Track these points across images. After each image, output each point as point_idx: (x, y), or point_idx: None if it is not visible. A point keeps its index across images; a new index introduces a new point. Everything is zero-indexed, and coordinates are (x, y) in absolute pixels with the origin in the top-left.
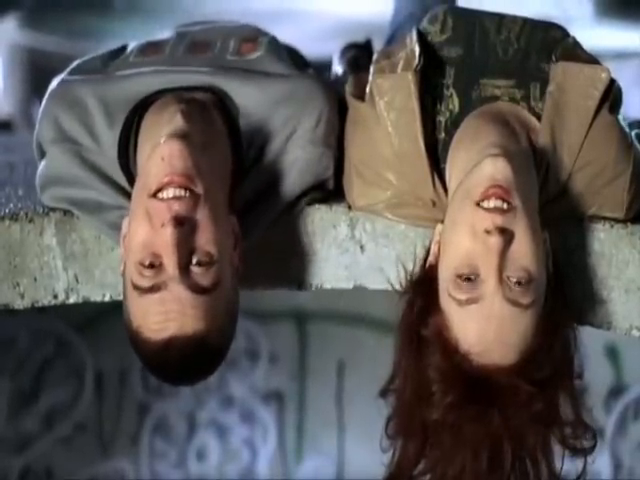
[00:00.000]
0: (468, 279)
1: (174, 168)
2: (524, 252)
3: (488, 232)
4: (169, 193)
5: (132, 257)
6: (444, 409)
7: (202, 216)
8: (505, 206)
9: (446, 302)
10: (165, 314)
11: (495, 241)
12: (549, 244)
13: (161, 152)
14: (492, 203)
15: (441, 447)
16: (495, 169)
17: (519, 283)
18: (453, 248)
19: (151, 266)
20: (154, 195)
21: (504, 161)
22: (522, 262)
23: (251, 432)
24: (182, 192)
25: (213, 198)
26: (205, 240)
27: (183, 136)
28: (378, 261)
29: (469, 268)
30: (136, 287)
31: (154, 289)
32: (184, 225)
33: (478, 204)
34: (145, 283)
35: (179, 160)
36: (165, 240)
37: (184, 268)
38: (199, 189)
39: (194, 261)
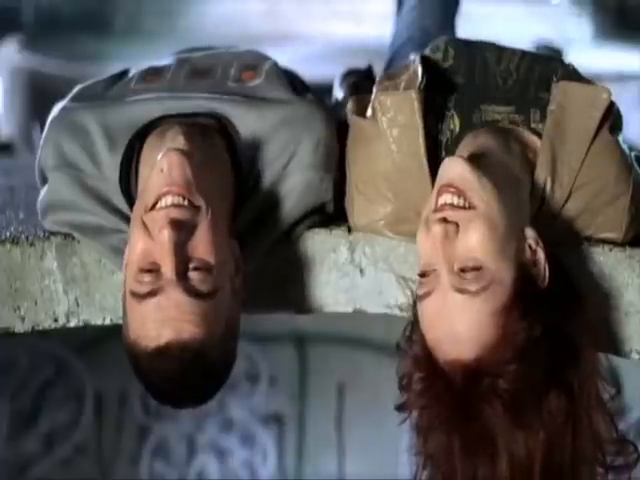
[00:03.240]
0: (421, 275)
1: (173, 178)
2: (472, 242)
3: (433, 224)
4: (167, 201)
5: (130, 268)
6: (420, 404)
7: (201, 226)
8: (456, 201)
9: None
10: (162, 320)
11: (436, 230)
12: (534, 243)
13: (160, 164)
14: (443, 199)
15: (426, 448)
16: (451, 169)
17: (463, 270)
18: (420, 253)
19: (149, 272)
20: (152, 208)
21: (461, 161)
22: (471, 252)
23: (251, 455)
24: (181, 200)
25: (214, 213)
26: (203, 249)
27: (183, 151)
28: (378, 285)
29: (427, 266)
30: (134, 294)
31: (151, 294)
32: (182, 230)
33: (434, 209)
34: (143, 289)
35: (178, 170)
36: (162, 243)
37: (181, 273)
38: (199, 201)
39: (191, 266)
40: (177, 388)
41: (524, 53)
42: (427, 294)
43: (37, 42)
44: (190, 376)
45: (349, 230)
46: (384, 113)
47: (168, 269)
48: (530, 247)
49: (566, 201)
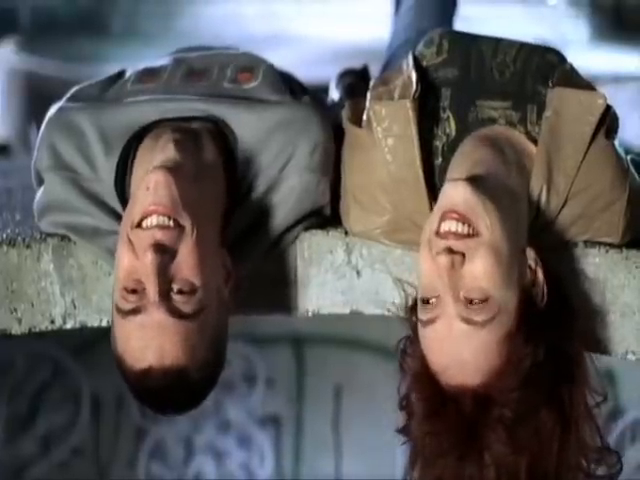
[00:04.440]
0: (424, 301)
1: (159, 197)
2: (479, 272)
3: (438, 254)
4: (152, 221)
5: (117, 284)
6: (425, 429)
7: (186, 247)
8: (460, 229)
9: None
10: (144, 340)
11: (442, 261)
12: (534, 263)
13: (147, 181)
14: (447, 226)
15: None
16: (455, 194)
17: (471, 302)
18: (420, 273)
19: (134, 291)
20: (138, 225)
21: (465, 185)
22: (477, 282)
23: (248, 456)
24: (166, 220)
25: (200, 230)
26: (187, 270)
27: (172, 167)
28: (374, 286)
29: (430, 292)
30: (119, 310)
31: (135, 311)
32: (165, 253)
33: (437, 232)
34: (126, 306)
35: (164, 189)
36: (146, 265)
37: (164, 294)
38: (184, 220)
39: (175, 289)
40: (162, 402)
41: (521, 45)
42: (431, 321)
43: (34, 43)
44: (174, 394)
45: (346, 232)
46: (379, 123)
47: (151, 291)
48: (530, 268)
49: (562, 207)
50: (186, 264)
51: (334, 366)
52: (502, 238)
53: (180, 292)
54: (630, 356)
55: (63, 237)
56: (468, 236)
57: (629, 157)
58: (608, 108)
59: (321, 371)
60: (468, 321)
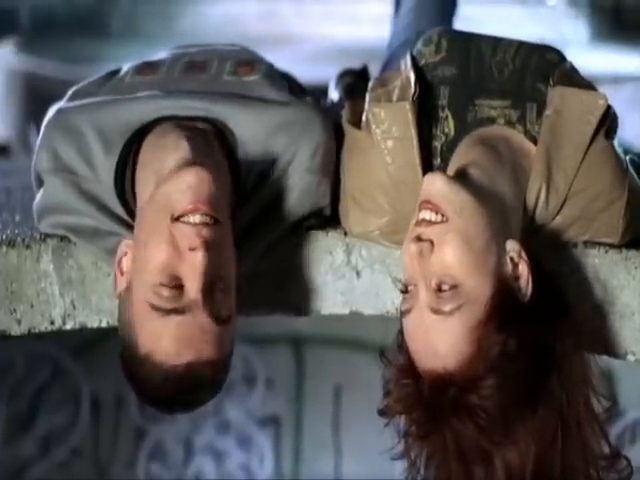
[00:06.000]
0: (402, 292)
1: (200, 196)
2: (448, 258)
3: (409, 243)
4: (196, 219)
5: (148, 278)
6: (397, 410)
7: (224, 245)
8: (433, 217)
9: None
10: (183, 339)
11: (411, 249)
12: (516, 256)
13: (186, 178)
14: (422, 215)
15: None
16: (430, 185)
17: (440, 289)
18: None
19: (172, 287)
20: (177, 219)
21: (439, 176)
22: (446, 268)
23: (248, 457)
24: (208, 219)
25: (228, 227)
26: (225, 268)
27: (206, 166)
28: (374, 287)
29: (409, 281)
30: (156, 308)
31: (177, 311)
32: (212, 251)
33: (415, 224)
34: (166, 304)
35: (205, 188)
36: (193, 265)
37: (208, 295)
38: (222, 219)
39: (216, 288)
40: (182, 399)
41: (521, 43)
42: (407, 311)
43: (33, 44)
44: (197, 393)
45: (345, 232)
46: (378, 125)
47: (194, 290)
48: (512, 260)
49: (562, 207)
50: (225, 261)
51: (334, 366)
52: (474, 223)
53: (221, 290)
54: (630, 356)
55: (63, 238)
56: (438, 223)
57: (628, 157)
58: (608, 108)
59: (321, 371)
60: (436, 311)
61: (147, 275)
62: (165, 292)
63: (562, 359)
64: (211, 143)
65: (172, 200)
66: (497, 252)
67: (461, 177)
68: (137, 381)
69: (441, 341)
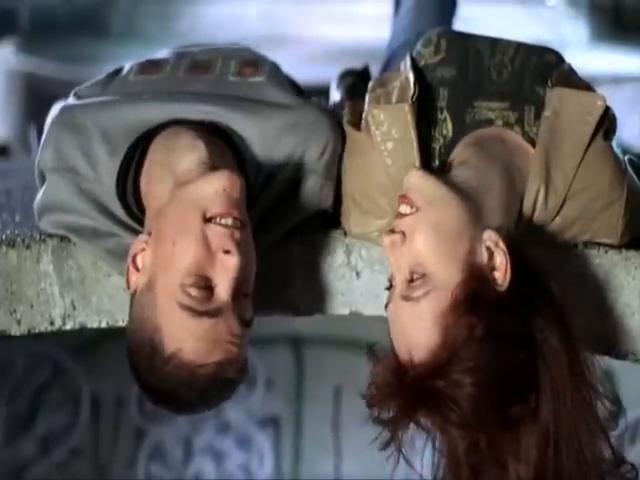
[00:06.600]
0: (387, 288)
1: (234, 200)
2: (418, 247)
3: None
4: (228, 222)
5: (177, 277)
6: (377, 399)
7: (249, 248)
8: (408, 210)
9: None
10: (214, 341)
11: (385, 241)
12: (493, 245)
13: (220, 181)
14: (399, 210)
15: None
16: (407, 181)
17: (412, 279)
18: None
19: (203, 287)
20: (209, 220)
21: (416, 172)
22: (417, 257)
23: (247, 457)
24: (238, 223)
25: (250, 231)
26: (249, 272)
27: (237, 173)
28: (374, 287)
29: (392, 275)
30: (187, 308)
31: (210, 314)
32: (242, 255)
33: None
34: (198, 306)
35: (238, 192)
36: (227, 267)
37: (236, 297)
38: (247, 221)
39: (242, 291)
40: (203, 397)
41: (519, 45)
42: (386, 305)
43: (33, 44)
44: (224, 390)
45: (345, 233)
46: (377, 127)
47: (225, 292)
48: (489, 249)
49: (561, 208)
50: (249, 265)
51: (333, 367)
52: (443, 211)
53: (245, 295)
54: (630, 356)
55: (62, 238)
56: (409, 215)
57: (627, 158)
58: (607, 109)
59: (320, 372)
60: (407, 298)
61: (175, 273)
62: (194, 292)
63: (549, 355)
64: (222, 147)
65: (205, 200)
66: (470, 240)
67: (443, 173)
68: (153, 379)
69: (411, 327)
